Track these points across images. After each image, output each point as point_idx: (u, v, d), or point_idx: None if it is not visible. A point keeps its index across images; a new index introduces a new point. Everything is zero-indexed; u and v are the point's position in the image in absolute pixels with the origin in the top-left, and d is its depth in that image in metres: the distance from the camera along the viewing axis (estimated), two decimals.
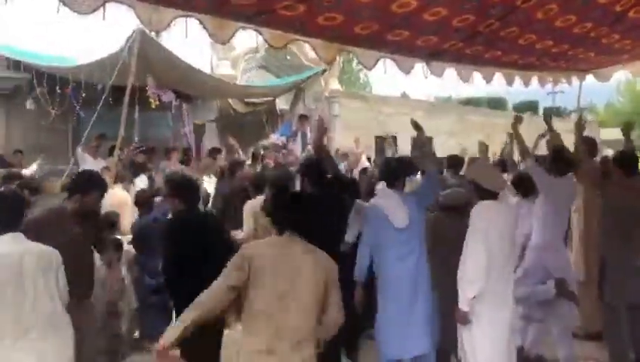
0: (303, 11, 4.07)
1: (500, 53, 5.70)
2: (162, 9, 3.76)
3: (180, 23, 3.93)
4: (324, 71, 11.44)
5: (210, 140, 10.86)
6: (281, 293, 2.67)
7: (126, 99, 6.49)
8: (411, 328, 3.75)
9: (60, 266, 3.06)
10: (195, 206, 3.93)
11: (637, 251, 4.21)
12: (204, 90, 10.45)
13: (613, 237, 4.30)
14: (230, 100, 11.17)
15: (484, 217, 3.57)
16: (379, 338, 3.90)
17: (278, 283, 2.69)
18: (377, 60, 5.25)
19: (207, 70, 10.55)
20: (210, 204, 6.53)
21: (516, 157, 5.83)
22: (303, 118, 10.37)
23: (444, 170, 6.27)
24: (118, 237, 4.91)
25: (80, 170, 6.17)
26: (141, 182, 6.83)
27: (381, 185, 4.65)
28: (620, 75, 7.40)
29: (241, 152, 8.32)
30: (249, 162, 8.29)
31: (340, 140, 11.80)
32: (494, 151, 6.85)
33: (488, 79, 6.45)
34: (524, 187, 4.74)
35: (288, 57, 11.91)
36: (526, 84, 6.86)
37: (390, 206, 3.83)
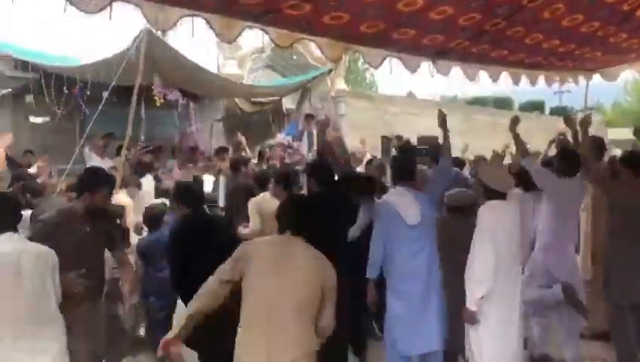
0: (309, 10, 4.08)
1: (506, 52, 5.69)
2: (168, 8, 3.78)
3: (187, 23, 3.96)
4: (331, 71, 11.44)
5: (217, 139, 10.88)
6: (275, 291, 2.69)
7: (134, 98, 6.50)
8: (422, 325, 3.73)
9: (55, 266, 3.07)
10: (199, 208, 3.95)
11: None
12: (210, 90, 10.47)
13: (621, 237, 4.28)
14: (237, 100, 11.19)
15: (491, 217, 3.57)
16: (389, 335, 3.88)
17: (273, 281, 2.72)
18: (383, 59, 5.25)
19: (213, 69, 10.57)
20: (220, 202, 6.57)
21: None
22: (310, 117, 10.38)
23: None
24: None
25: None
26: (147, 182, 6.85)
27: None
28: (627, 75, 7.41)
29: (248, 150, 8.36)
30: (255, 161, 8.33)
31: (346, 140, 11.78)
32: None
33: (495, 78, 6.44)
34: (524, 181, 4.70)
35: (294, 57, 11.91)
36: (532, 83, 6.84)
37: (402, 203, 3.81)
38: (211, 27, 4.03)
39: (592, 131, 4.78)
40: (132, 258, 4.79)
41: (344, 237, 4.11)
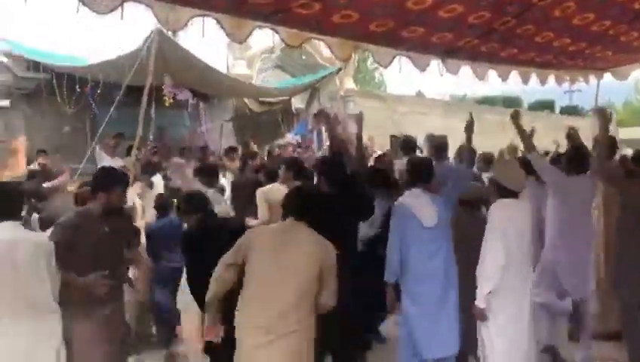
0: (318, 9, 4.09)
1: (516, 50, 5.66)
2: (179, 8, 3.79)
3: (197, 23, 3.97)
4: (340, 70, 11.46)
5: (227, 139, 10.92)
6: (276, 278, 2.83)
7: (144, 98, 6.54)
8: (439, 328, 3.70)
9: (52, 256, 3.09)
10: (208, 212, 3.95)
11: None
12: (220, 90, 10.51)
13: (632, 235, 4.25)
14: (246, 100, 11.23)
15: (502, 215, 3.57)
16: (403, 336, 3.85)
17: (274, 267, 2.85)
18: (393, 58, 5.24)
19: (223, 70, 10.62)
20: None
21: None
22: (319, 115, 10.40)
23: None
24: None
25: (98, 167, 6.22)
26: (157, 181, 6.88)
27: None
28: (638, 74, 7.32)
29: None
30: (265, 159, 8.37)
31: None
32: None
33: (504, 77, 6.41)
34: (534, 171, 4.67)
35: (304, 57, 11.95)
36: (542, 82, 6.80)
37: (418, 204, 3.78)
38: (222, 27, 4.04)
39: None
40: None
41: (353, 236, 4.11)
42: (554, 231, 4.47)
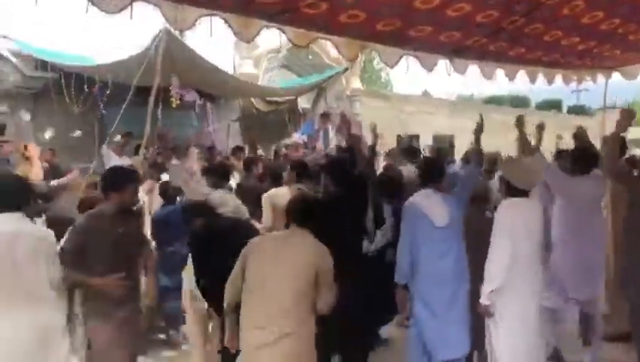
0: (325, 9, 4.08)
1: (524, 50, 5.64)
2: (187, 8, 3.79)
3: (205, 22, 3.98)
4: (346, 69, 11.45)
5: (234, 139, 10.94)
6: (274, 283, 2.91)
7: (151, 98, 6.56)
8: (450, 329, 3.69)
9: (52, 248, 3.11)
10: (216, 215, 3.95)
11: None
12: (226, 90, 10.53)
13: (639, 234, 4.22)
14: (252, 99, 11.25)
15: (510, 214, 3.57)
16: (413, 336, 3.84)
17: (272, 274, 2.94)
18: (400, 58, 5.23)
19: (229, 69, 10.64)
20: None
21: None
22: (325, 116, 10.40)
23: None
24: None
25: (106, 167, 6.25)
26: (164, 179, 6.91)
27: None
28: None
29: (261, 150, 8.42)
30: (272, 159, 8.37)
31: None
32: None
33: (511, 76, 6.38)
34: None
35: (310, 57, 11.95)
36: (550, 82, 6.77)
37: (430, 204, 3.77)
38: (230, 26, 4.05)
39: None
40: None
41: (358, 236, 4.11)
42: (560, 232, 4.44)
